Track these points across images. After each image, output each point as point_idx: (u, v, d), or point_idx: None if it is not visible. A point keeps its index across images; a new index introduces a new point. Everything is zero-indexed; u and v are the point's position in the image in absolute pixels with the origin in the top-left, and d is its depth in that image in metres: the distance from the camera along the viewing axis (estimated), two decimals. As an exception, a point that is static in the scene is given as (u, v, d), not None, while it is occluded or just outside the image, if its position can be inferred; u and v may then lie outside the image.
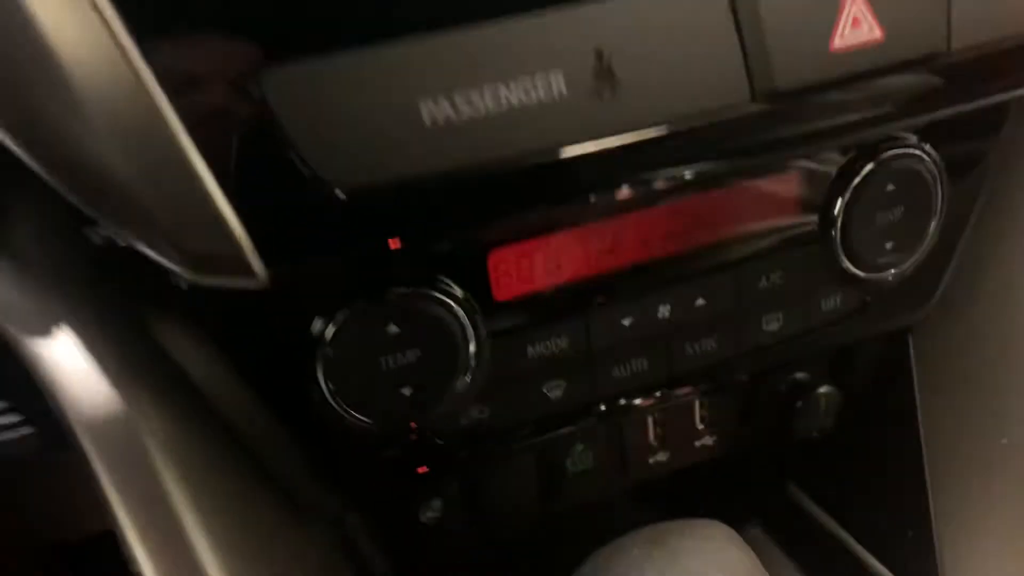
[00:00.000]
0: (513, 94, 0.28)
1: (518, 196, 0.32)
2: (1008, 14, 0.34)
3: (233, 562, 0.39)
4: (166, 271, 0.40)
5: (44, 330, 0.39)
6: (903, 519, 0.58)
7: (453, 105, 0.27)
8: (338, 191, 0.27)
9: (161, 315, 0.42)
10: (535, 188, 0.31)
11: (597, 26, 0.28)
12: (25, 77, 0.26)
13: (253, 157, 0.26)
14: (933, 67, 0.34)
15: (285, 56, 0.26)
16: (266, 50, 0.26)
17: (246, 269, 0.28)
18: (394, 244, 0.35)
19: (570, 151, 0.29)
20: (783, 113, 0.32)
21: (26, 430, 0.45)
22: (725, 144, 0.33)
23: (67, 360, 0.39)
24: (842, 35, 0.31)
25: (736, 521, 0.54)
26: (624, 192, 0.38)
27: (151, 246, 0.29)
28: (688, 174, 0.36)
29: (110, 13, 0.25)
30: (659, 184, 0.39)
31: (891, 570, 0.60)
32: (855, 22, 0.31)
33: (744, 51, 0.30)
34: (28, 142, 0.29)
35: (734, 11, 0.29)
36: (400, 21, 0.26)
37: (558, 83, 0.28)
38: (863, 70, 0.32)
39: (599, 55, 0.28)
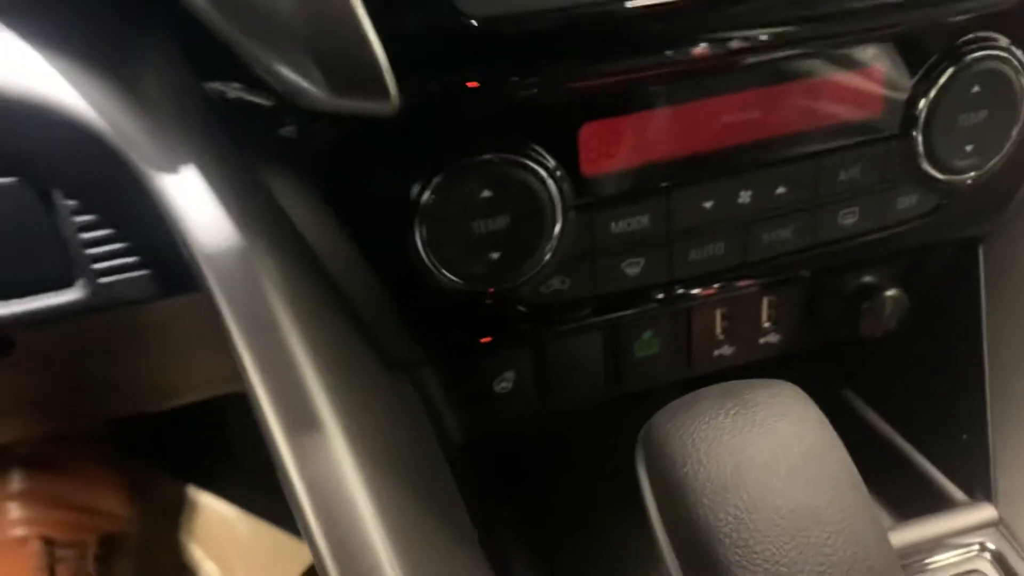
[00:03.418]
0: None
1: (620, 43, 0.34)
2: None
3: (334, 394, 0.42)
4: (278, 122, 0.43)
5: (171, 169, 0.43)
6: (959, 424, 0.60)
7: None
8: (471, 20, 0.29)
9: (272, 165, 0.45)
10: (634, 36, 0.33)
11: None
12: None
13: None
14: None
15: None
16: None
17: (382, 91, 0.30)
18: (472, 84, 0.36)
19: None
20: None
21: (141, 272, 0.49)
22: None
23: (193, 199, 0.42)
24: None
25: None
26: (709, 60, 0.39)
27: (296, 67, 0.31)
28: (775, 41, 0.37)
29: None
30: (745, 67, 0.41)
31: (944, 472, 0.62)
32: None
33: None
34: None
35: None
36: None
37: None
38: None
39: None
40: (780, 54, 0.45)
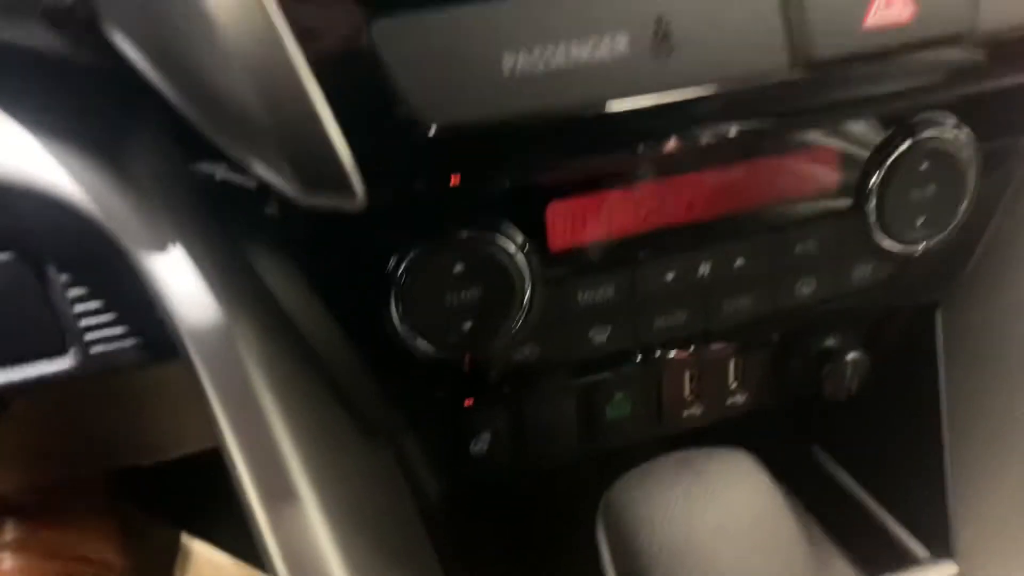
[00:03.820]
0: (582, 51, 0.32)
1: (580, 142, 0.36)
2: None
3: (310, 463, 0.45)
4: (261, 202, 0.46)
5: (157, 246, 0.45)
6: (920, 482, 0.62)
7: (530, 58, 0.32)
8: (430, 126, 0.32)
9: (254, 243, 0.47)
10: (595, 135, 0.36)
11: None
12: (177, 21, 0.32)
13: (361, 93, 0.31)
14: (959, 47, 0.37)
15: (392, 10, 0.31)
16: (376, 5, 0.31)
17: (348, 189, 0.33)
18: (455, 180, 0.39)
19: (628, 103, 0.34)
20: (818, 81, 0.36)
21: (130, 341, 0.51)
22: (765, 106, 0.37)
23: (176, 274, 0.45)
24: (876, 13, 0.35)
25: None
26: (673, 151, 0.42)
27: (268, 165, 0.34)
28: (731, 133, 0.40)
29: None
30: (705, 148, 0.44)
31: (907, 529, 0.64)
32: (888, 2, 0.35)
33: (787, 23, 0.34)
34: (175, 77, 0.35)
35: None
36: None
37: (622, 43, 0.32)
38: (894, 46, 0.36)
39: (659, 20, 0.33)
40: (740, 140, 0.47)
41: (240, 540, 1.27)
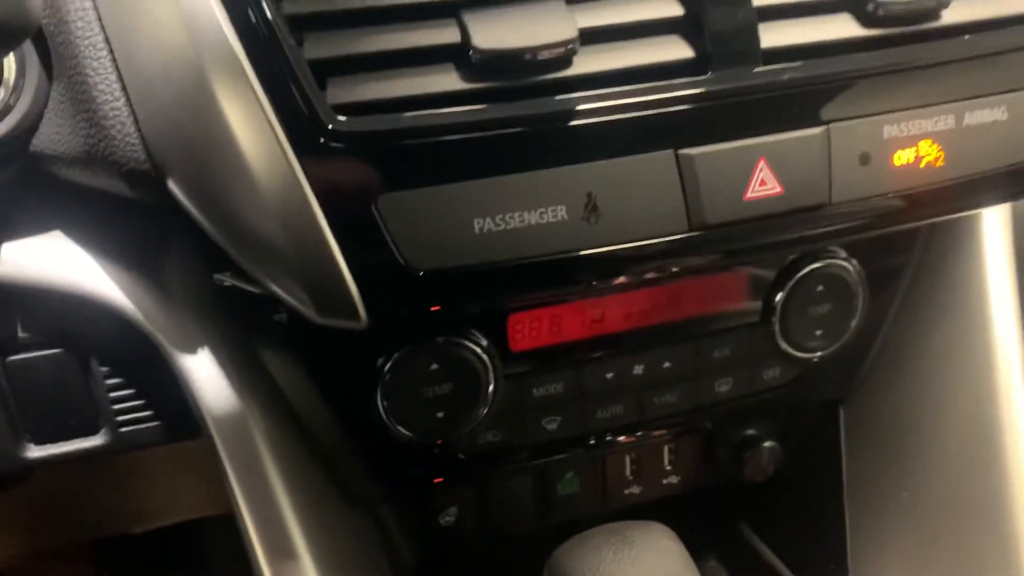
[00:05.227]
0: (532, 217, 0.43)
1: (533, 283, 0.47)
2: (875, 179, 0.49)
3: (307, 524, 0.54)
4: (273, 312, 0.56)
5: (184, 342, 0.55)
6: (827, 556, 0.72)
7: (494, 222, 0.43)
8: (418, 271, 0.43)
9: (266, 341, 0.57)
10: (544, 279, 0.46)
11: (589, 178, 0.44)
12: (220, 173, 0.42)
13: (367, 245, 0.42)
14: (819, 213, 0.49)
15: (393, 186, 0.42)
16: (383, 181, 0.42)
17: (354, 314, 0.44)
18: (435, 308, 0.50)
19: (568, 256, 0.45)
20: (711, 239, 0.47)
21: (155, 423, 0.60)
22: (672, 258, 0.48)
23: (201, 366, 0.55)
24: (753, 190, 0.46)
25: (697, 551, 0.69)
26: (608, 279, 0.53)
27: (289, 293, 0.44)
28: (648, 277, 0.52)
29: (284, 139, 0.41)
30: (631, 276, 0.55)
31: None
32: (762, 182, 0.46)
33: (685, 198, 0.45)
34: (217, 219, 0.45)
35: (680, 172, 0.45)
36: (465, 168, 0.43)
37: (562, 211, 0.44)
38: (768, 213, 0.47)
39: (589, 195, 0.44)
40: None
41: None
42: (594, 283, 0.49)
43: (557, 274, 0.45)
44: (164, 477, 0.95)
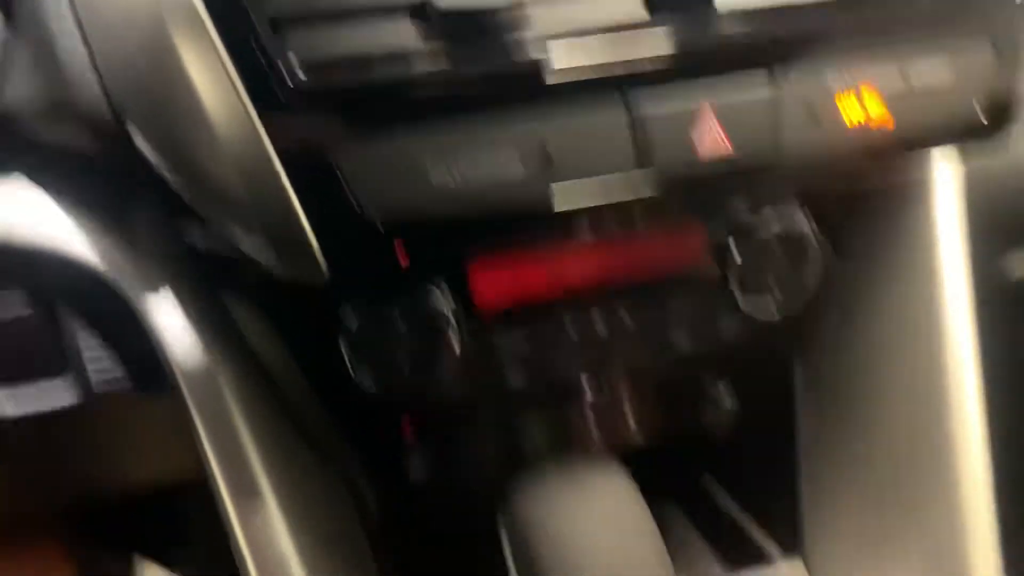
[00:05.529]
0: (488, 168, 0.45)
1: (491, 233, 0.49)
2: (825, 138, 0.51)
3: (273, 472, 0.55)
4: (240, 268, 0.57)
5: (153, 297, 0.56)
6: (781, 500, 0.75)
7: (451, 174, 0.44)
8: (377, 224, 0.44)
9: (236, 298, 0.59)
10: (502, 228, 0.48)
11: (542, 128, 0.46)
12: (180, 123, 0.43)
13: (326, 197, 0.43)
14: (765, 157, 0.51)
15: (351, 140, 0.43)
16: (341, 135, 0.43)
17: (316, 268, 0.45)
18: (404, 262, 0.51)
19: (525, 204, 0.46)
20: (659, 179, 0.49)
21: (126, 378, 0.62)
22: (622, 195, 0.50)
23: (169, 320, 0.56)
24: (700, 134, 0.48)
25: (661, 503, 0.71)
26: (568, 235, 0.54)
27: (253, 249, 0.46)
28: (606, 227, 0.53)
29: (243, 92, 0.42)
30: (590, 232, 0.56)
31: (770, 536, 0.77)
32: (709, 128, 0.48)
33: (634, 140, 0.47)
34: (179, 170, 0.46)
35: (629, 116, 0.47)
36: (422, 122, 0.44)
37: (517, 162, 0.45)
38: (715, 157, 0.49)
39: (542, 144, 0.46)
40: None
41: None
42: (551, 231, 0.50)
43: (515, 223, 0.47)
44: (141, 443, 0.96)
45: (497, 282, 0.60)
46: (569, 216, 0.49)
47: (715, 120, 0.48)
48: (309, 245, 0.44)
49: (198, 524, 1.27)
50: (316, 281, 0.46)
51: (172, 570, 1.33)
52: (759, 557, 0.77)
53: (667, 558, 0.49)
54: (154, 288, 0.57)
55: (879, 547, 0.70)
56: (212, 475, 0.55)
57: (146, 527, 1.33)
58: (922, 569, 0.66)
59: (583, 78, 0.46)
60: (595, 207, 0.50)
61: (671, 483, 0.87)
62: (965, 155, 0.67)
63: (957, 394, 0.66)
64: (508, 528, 0.50)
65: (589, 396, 0.70)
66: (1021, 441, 0.67)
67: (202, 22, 0.41)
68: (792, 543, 0.75)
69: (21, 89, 0.49)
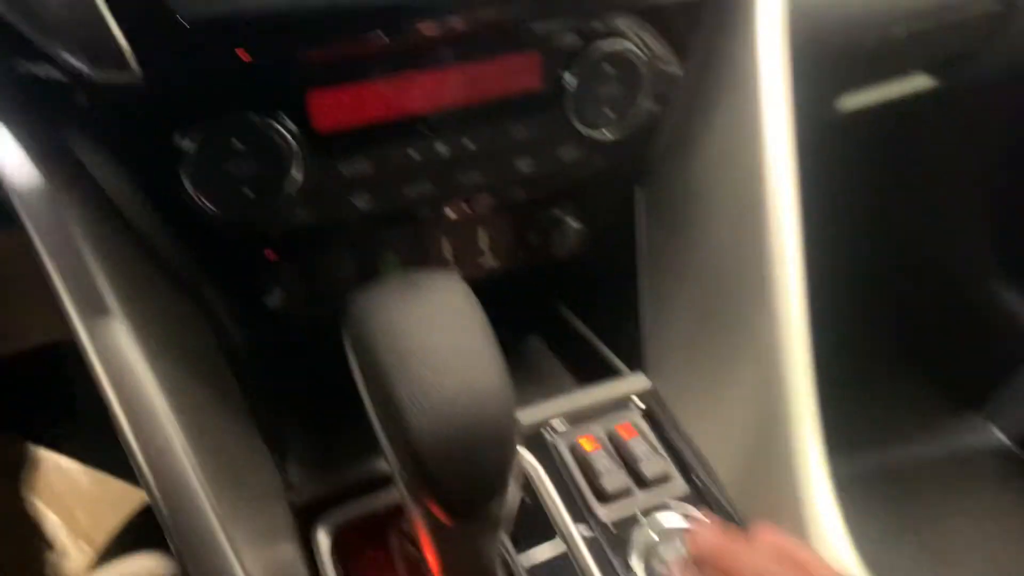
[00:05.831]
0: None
1: (306, 29, 0.50)
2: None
3: (120, 291, 0.57)
4: (74, 92, 0.57)
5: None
6: (625, 319, 0.81)
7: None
8: (182, 18, 0.45)
9: (72, 127, 0.58)
10: (316, 24, 0.49)
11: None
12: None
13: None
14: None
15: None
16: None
17: (125, 65, 0.46)
18: (245, 57, 0.52)
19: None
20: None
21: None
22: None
23: (10, 152, 0.56)
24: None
25: (519, 328, 0.76)
26: (406, 50, 0.56)
27: (69, 52, 0.46)
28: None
29: None
30: (434, 52, 0.58)
31: (616, 355, 0.84)
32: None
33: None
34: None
35: None
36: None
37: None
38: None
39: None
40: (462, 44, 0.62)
41: (86, 448, 1.34)
42: (390, 55, 0.51)
43: (328, 19, 0.48)
44: (11, 295, 0.95)
45: (336, 104, 0.62)
46: (407, 39, 0.50)
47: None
48: (114, 40, 0.45)
49: (84, 402, 1.28)
50: (129, 80, 0.47)
51: (60, 450, 1.35)
52: (608, 373, 0.83)
53: (497, 349, 0.52)
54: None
55: (709, 354, 0.77)
56: (60, 300, 0.56)
57: (33, 409, 1.33)
58: (746, 371, 0.73)
59: None
60: (432, 31, 0.51)
61: (529, 314, 0.92)
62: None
63: (775, 212, 0.71)
64: (348, 332, 0.53)
65: (437, 220, 0.73)
66: (830, 254, 0.74)
67: None
68: (632, 357, 0.82)
69: None
